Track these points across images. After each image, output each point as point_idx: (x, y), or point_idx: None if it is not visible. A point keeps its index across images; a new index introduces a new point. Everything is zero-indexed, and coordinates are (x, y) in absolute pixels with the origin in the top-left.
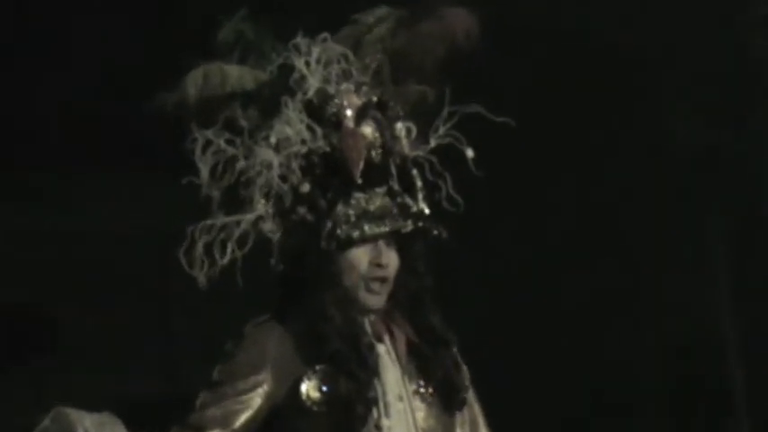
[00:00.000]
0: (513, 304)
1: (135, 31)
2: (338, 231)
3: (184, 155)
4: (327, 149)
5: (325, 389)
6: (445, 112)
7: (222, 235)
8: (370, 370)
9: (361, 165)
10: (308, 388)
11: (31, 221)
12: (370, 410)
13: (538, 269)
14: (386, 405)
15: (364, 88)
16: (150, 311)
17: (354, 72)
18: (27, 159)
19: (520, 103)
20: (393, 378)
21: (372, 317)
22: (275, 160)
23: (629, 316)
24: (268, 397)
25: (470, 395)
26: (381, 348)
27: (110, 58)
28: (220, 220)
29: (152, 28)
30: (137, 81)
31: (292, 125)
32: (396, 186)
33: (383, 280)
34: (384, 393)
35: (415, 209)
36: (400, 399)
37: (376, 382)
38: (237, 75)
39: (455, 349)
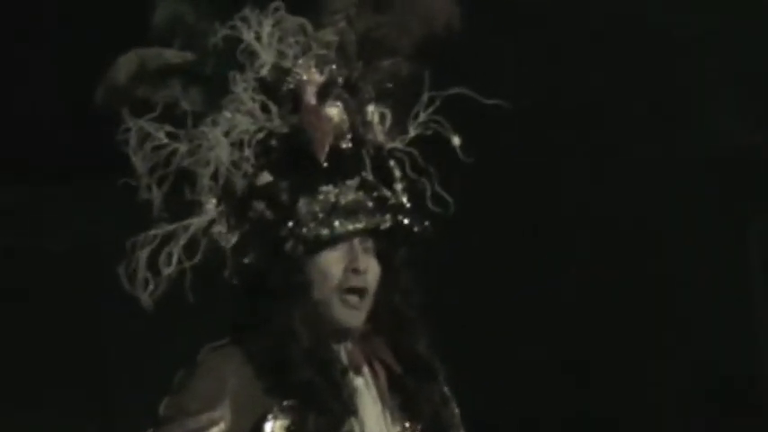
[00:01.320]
0: (516, 319)
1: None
2: (304, 230)
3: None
4: (286, 131)
5: (291, 428)
6: (425, 97)
7: (167, 247)
8: (345, 402)
9: (327, 146)
10: (273, 427)
11: None
12: None
13: (544, 283)
14: None
15: (328, 66)
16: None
17: (315, 46)
18: None
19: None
20: (373, 417)
21: (349, 345)
22: (225, 146)
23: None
24: None
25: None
26: (359, 381)
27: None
28: (164, 228)
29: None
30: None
31: (243, 106)
32: (370, 178)
33: (361, 292)
34: None
35: (393, 201)
36: None
37: (353, 421)
38: (176, 57)
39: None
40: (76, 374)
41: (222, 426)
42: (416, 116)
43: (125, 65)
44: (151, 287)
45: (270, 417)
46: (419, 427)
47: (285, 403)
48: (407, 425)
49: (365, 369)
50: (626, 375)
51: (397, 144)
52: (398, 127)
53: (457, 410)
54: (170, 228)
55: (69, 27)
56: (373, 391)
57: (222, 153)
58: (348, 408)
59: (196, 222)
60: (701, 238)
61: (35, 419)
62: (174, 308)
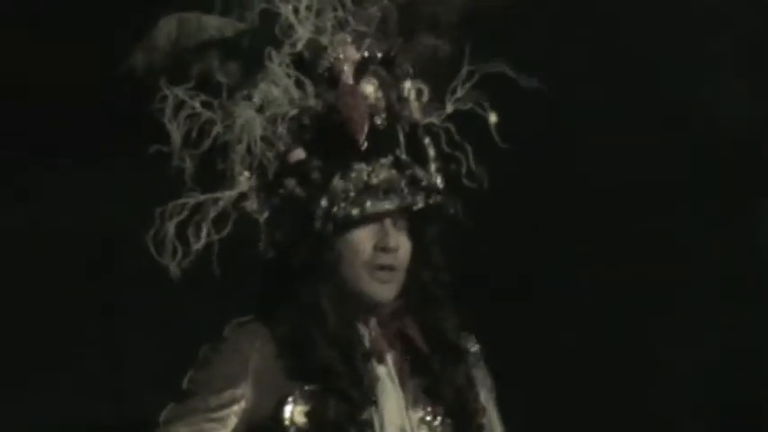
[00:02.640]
0: (541, 304)
1: None
2: (335, 209)
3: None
4: (321, 110)
5: (311, 413)
6: (464, 72)
7: (197, 216)
8: (365, 390)
9: (365, 128)
10: (292, 411)
11: None
12: None
13: (566, 255)
14: None
15: (365, 40)
16: (93, 319)
17: (352, 21)
18: None
19: (550, 64)
20: (394, 406)
21: (372, 325)
22: (258, 122)
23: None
24: (245, 415)
25: (494, 417)
26: (382, 370)
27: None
28: (194, 198)
29: None
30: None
31: (278, 81)
32: (404, 157)
33: (391, 268)
34: (382, 425)
35: (426, 182)
36: (402, 431)
37: (373, 410)
38: (217, 25)
39: (475, 348)
40: (89, 353)
41: (243, 404)
42: (454, 91)
43: (165, 29)
44: (179, 257)
45: (290, 400)
46: (441, 410)
47: (306, 388)
48: (429, 409)
49: (388, 356)
50: (637, 358)
51: (434, 119)
52: (435, 102)
53: (492, 394)
54: (200, 198)
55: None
56: (395, 379)
57: (255, 128)
58: (368, 397)
59: (227, 195)
60: (709, 217)
61: (46, 400)
62: (187, 283)
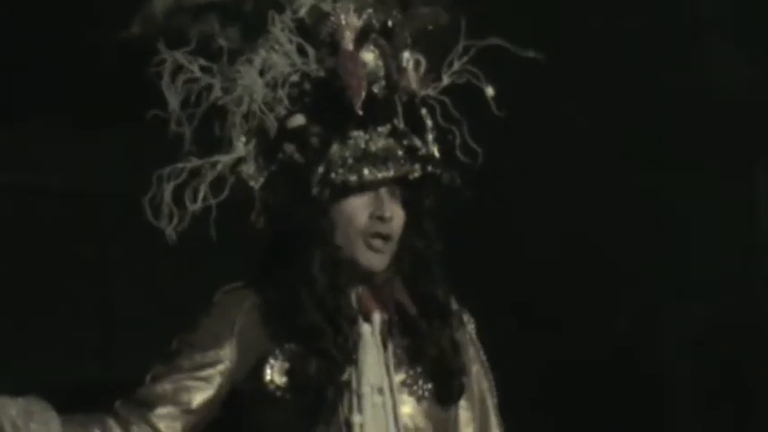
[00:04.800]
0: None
1: None
2: (332, 176)
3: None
4: (321, 75)
5: (291, 372)
6: (460, 46)
7: (194, 181)
8: (347, 350)
9: (363, 93)
10: (272, 370)
11: None
12: (341, 397)
13: (567, 229)
14: (359, 397)
15: (367, 10)
16: (83, 285)
17: None
18: None
19: (548, 38)
20: (373, 365)
21: (360, 289)
22: (259, 86)
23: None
24: (229, 375)
25: (485, 387)
26: (365, 328)
27: None
28: (191, 162)
29: None
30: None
31: (280, 45)
32: (401, 126)
33: (386, 237)
34: (359, 383)
35: (423, 151)
36: (380, 391)
37: (352, 369)
38: None
39: (471, 326)
40: (79, 314)
41: (228, 363)
42: (451, 64)
43: None
44: (175, 221)
45: (270, 358)
46: (423, 374)
47: (287, 346)
48: (411, 372)
49: (375, 315)
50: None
51: (430, 92)
52: (432, 74)
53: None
54: (197, 163)
55: None
56: (378, 339)
57: (256, 92)
58: (348, 357)
59: (224, 159)
60: (707, 178)
61: (38, 361)
62: (181, 248)
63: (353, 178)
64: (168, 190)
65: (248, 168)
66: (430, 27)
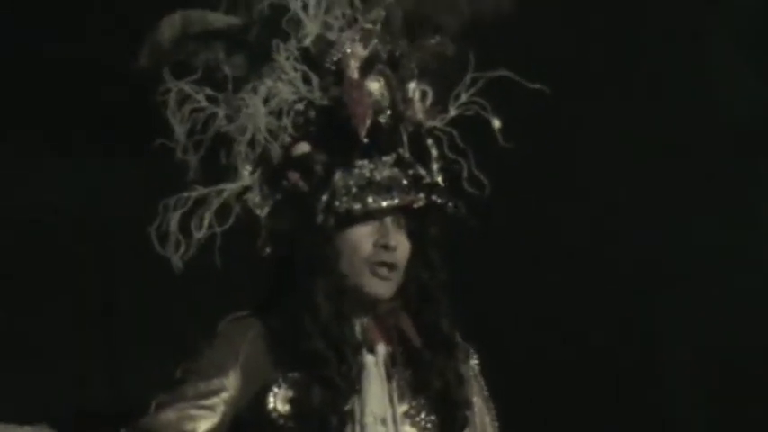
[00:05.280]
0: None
1: None
2: (336, 204)
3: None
4: (326, 104)
5: (295, 400)
6: (468, 79)
7: (200, 210)
8: (351, 380)
9: (368, 122)
10: (275, 398)
11: None
12: (344, 426)
13: (571, 253)
14: (362, 427)
15: (372, 40)
16: (92, 308)
17: (360, 19)
18: None
19: (557, 68)
20: (377, 396)
21: (367, 319)
22: (263, 114)
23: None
24: (233, 403)
25: (487, 421)
26: (370, 359)
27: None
28: (197, 191)
29: None
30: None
31: (285, 74)
32: (406, 156)
33: (391, 266)
34: (362, 413)
35: (428, 180)
36: (383, 422)
37: (355, 398)
38: (222, 21)
39: (475, 361)
40: (87, 339)
41: (232, 392)
42: (458, 96)
43: (169, 26)
44: (182, 250)
45: (274, 386)
46: (427, 406)
47: (290, 375)
48: (414, 403)
49: (379, 347)
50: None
51: (437, 123)
52: (439, 106)
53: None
54: (203, 191)
55: None
56: (382, 370)
57: (260, 120)
58: (352, 386)
59: (229, 188)
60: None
61: (45, 384)
62: (187, 274)
63: (358, 206)
64: (174, 219)
65: (254, 197)
66: (437, 58)
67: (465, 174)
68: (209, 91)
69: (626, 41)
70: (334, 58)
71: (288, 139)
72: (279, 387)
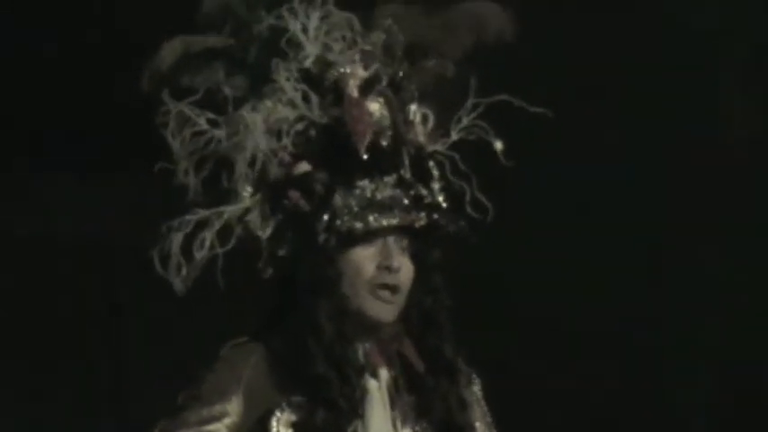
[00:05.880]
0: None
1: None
2: (338, 223)
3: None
4: (326, 122)
5: (298, 424)
6: (469, 103)
7: (201, 233)
8: (354, 402)
9: (367, 139)
10: (278, 423)
11: None
12: None
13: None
14: None
15: (372, 62)
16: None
17: (361, 42)
18: None
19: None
20: (380, 420)
21: (369, 345)
22: (262, 134)
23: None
24: (236, 429)
25: None
26: (373, 384)
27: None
28: (198, 214)
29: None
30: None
31: (284, 94)
32: (408, 176)
33: (393, 289)
34: None
35: (429, 200)
36: None
37: (358, 422)
38: (221, 43)
39: (477, 387)
40: (92, 368)
41: (234, 417)
42: (459, 120)
43: (169, 50)
44: (184, 272)
45: (277, 411)
46: (428, 427)
47: (293, 399)
48: (417, 428)
49: (382, 371)
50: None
51: (439, 147)
52: (441, 130)
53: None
54: (205, 213)
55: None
56: (385, 395)
57: (259, 139)
58: (356, 409)
59: (230, 210)
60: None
61: (49, 412)
62: (192, 299)
63: (359, 225)
64: (176, 241)
65: (255, 218)
66: (437, 81)
67: (468, 197)
68: (209, 114)
69: (627, 63)
70: (334, 78)
71: (288, 158)
72: (282, 411)
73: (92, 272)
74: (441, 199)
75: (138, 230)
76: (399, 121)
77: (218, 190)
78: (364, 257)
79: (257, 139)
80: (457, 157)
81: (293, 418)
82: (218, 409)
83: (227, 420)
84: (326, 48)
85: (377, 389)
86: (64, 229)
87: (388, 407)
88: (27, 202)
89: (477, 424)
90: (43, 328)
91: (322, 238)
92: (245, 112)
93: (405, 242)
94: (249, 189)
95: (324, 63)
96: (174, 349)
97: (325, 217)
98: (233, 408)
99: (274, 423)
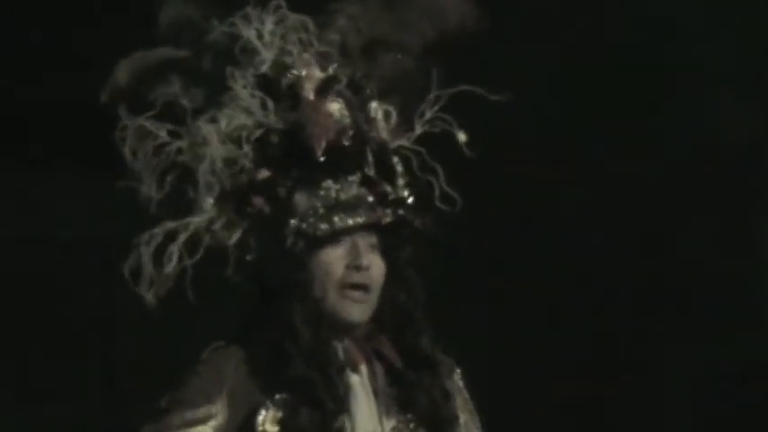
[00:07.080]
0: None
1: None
2: (304, 226)
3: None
4: (285, 127)
5: (284, 421)
6: (432, 96)
7: (171, 245)
8: (339, 399)
9: (325, 141)
10: (264, 420)
11: None
12: None
13: (547, 280)
14: None
15: (329, 63)
16: (90, 332)
17: (316, 43)
18: None
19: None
20: (365, 414)
21: (347, 341)
22: (218, 142)
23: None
24: (221, 431)
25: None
26: (355, 379)
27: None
28: (165, 226)
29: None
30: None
31: (241, 102)
32: (372, 174)
33: (364, 288)
34: (352, 431)
35: (394, 196)
36: None
37: (345, 417)
38: (176, 54)
39: (458, 376)
40: (86, 371)
41: (219, 419)
42: (422, 114)
43: (127, 65)
44: (155, 285)
45: (262, 409)
46: (414, 419)
47: (278, 396)
48: (402, 418)
49: (362, 366)
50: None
51: (404, 142)
52: (405, 125)
53: (473, 413)
54: (172, 225)
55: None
56: (368, 389)
57: (215, 149)
58: (341, 405)
59: (196, 221)
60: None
61: (49, 412)
62: (183, 305)
63: (325, 227)
64: (147, 254)
65: (220, 228)
66: (397, 75)
67: (436, 191)
68: (170, 126)
69: (592, 52)
70: (289, 82)
71: (249, 165)
72: (267, 409)
73: (89, 272)
74: (406, 194)
75: (137, 230)
76: (360, 120)
77: (185, 201)
78: (333, 258)
79: (213, 149)
80: (423, 151)
81: (279, 414)
82: (202, 411)
83: (211, 422)
84: (283, 52)
85: (359, 384)
86: (62, 229)
87: (372, 399)
88: (27, 202)
89: (463, 417)
90: (43, 328)
91: (290, 241)
92: (202, 123)
93: (373, 240)
94: (211, 199)
95: (280, 67)
96: (172, 350)
97: (292, 221)
98: (218, 409)
99: (260, 420)
